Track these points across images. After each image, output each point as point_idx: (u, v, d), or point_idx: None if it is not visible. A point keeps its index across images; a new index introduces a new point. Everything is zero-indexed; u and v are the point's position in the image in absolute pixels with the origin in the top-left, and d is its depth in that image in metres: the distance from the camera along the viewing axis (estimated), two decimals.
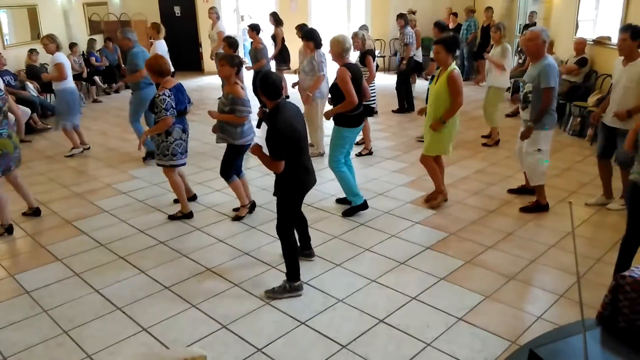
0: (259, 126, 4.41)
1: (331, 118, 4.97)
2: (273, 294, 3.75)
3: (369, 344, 3.27)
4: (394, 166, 6.55)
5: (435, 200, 5.21)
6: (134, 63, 6.54)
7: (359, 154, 6.90)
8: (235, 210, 5.24)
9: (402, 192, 5.69)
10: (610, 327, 2.16)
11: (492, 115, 7.24)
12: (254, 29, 8.92)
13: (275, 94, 3.59)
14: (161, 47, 7.77)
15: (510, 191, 5.59)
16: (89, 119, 9.42)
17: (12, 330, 3.49)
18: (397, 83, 9.27)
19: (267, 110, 3.75)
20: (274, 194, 3.77)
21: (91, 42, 11.48)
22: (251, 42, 9.02)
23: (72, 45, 10.73)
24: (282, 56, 10.03)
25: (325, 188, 5.79)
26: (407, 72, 9.10)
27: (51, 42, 6.78)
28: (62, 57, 6.91)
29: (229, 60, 4.70)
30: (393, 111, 9.33)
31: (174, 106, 4.75)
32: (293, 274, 3.76)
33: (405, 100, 9.30)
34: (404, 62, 8.94)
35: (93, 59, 11.33)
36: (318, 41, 6.55)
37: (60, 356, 3.23)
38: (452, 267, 4.14)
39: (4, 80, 8.01)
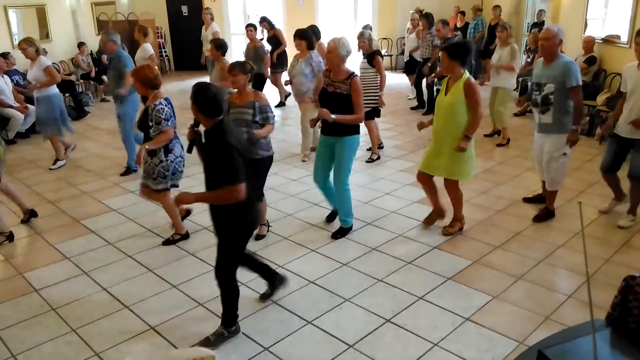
0: (189, 150, 3.49)
1: (321, 128, 4.44)
2: (210, 345, 3.20)
3: (375, 343, 3.26)
4: (400, 165, 6.53)
5: (452, 228, 4.68)
6: (120, 66, 6.05)
7: (370, 160, 6.66)
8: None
9: (409, 191, 5.68)
10: (620, 328, 2.15)
11: (501, 115, 7.21)
12: (256, 28, 8.60)
13: (216, 110, 2.99)
14: (149, 51, 7.21)
15: (526, 200, 5.33)
16: (97, 117, 9.48)
17: (21, 327, 3.52)
18: (423, 84, 9.14)
19: (198, 129, 3.21)
20: (217, 233, 3.24)
21: None
22: (248, 42, 8.64)
23: (80, 45, 10.81)
24: (280, 59, 9.49)
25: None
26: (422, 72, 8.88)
27: (30, 46, 6.26)
28: (48, 60, 6.56)
29: (240, 69, 4.19)
30: (412, 108, 9.24)
31: (174, 115, 4.35)
32: (231, 319, 3.31)
33: (420, 99, 9.22)
34: (429, 64, 8.50)
35: (104, 57, 11.37)
36: (310, 41, 6.26)
37: (68, 354, 3.25)
38: (460, 267, 4.12)
39: (12, 80, 8.07)
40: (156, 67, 4.73)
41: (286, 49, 9.52)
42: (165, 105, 4.34)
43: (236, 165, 2.91)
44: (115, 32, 6.48)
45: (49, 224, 5.15)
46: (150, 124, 4.24)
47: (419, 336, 3.32)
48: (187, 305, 3.71)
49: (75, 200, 5.73)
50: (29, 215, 5.15)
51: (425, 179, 4.64)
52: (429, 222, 4.82)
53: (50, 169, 6.74)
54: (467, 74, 4.28)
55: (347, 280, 3.99)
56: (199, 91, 2.98)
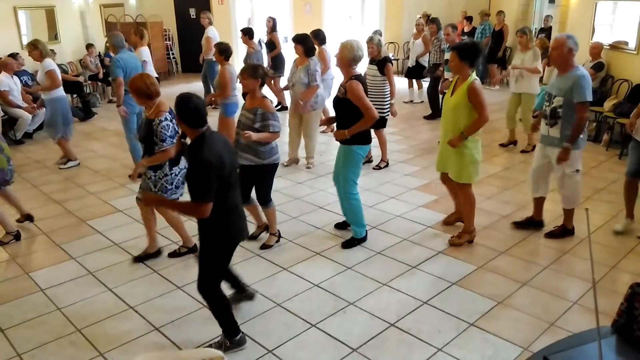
0: (177, 162, 3.58)
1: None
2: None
3: (379, 347, 3.26)
4: (406, 169, 6.52)
5: (459, 239, 4.54)
6: (111, 71, 5.94)
7: (378, 167, 6.55)
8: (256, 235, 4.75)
9: (414, 195, 5.67)
10: (626, 335, 2.14)
11: (528, 122, 6.76)
12: (247, 34, 8.54)
13: (198, 121, 2.95)
14: (146, 54, 7.10)
15: (516, 224, 4.87)
16: (104, 119, 9.53)
17: (26, 327, 3.54)
18: (429, 88, 9.06)
19: (185, 141, 3.21)
20: (199, 248, 3.17)
21: None
22: (247, 48, 8.59)
23: (89, 46, 10.89)
24: (276, 63, 9.36)
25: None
26: (438, 78, 8.72)
27: (34, 49, 6.28)
28: (52, 63, 6.50)
29: (251, 72, 4.17)
30: (425, 117, 9.02)
31: (177, 131, 3.97)
32: (230, 329, 3.25)
33: (434, 106, 9.09)
34: (441, 68, 8.43)
35: (108, 60, 11.45)
36: (309, 47, 6.14)
37: (72, 354, 3.26)
38: (465, 272, 4.11)
39: (21, 80, 8.13)
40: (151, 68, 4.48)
41: (282, 52, 9.46)
42: (170, 120, 4.01)
43: (206, 184, 2.84)
44: (119, 34, 6.47)
45: (55, 224, 5.18)
46: (155, 139, 3.97)
47: (423, 341, 3.31)
48: (192, 306, 3.72)
49: (81, 200, 5.76)
50: (25, 219, 5.12)
51: (445, 179, 4.69)
52: (448, 221, 4.92)
53: (60, 167, 6.78)
54: (473, 76, 4.20)
55: (352, 283, 3.99)
56: (181, 102, 2.94)
